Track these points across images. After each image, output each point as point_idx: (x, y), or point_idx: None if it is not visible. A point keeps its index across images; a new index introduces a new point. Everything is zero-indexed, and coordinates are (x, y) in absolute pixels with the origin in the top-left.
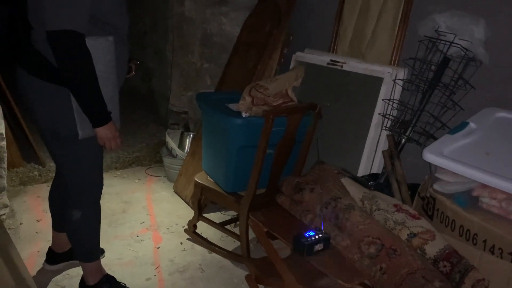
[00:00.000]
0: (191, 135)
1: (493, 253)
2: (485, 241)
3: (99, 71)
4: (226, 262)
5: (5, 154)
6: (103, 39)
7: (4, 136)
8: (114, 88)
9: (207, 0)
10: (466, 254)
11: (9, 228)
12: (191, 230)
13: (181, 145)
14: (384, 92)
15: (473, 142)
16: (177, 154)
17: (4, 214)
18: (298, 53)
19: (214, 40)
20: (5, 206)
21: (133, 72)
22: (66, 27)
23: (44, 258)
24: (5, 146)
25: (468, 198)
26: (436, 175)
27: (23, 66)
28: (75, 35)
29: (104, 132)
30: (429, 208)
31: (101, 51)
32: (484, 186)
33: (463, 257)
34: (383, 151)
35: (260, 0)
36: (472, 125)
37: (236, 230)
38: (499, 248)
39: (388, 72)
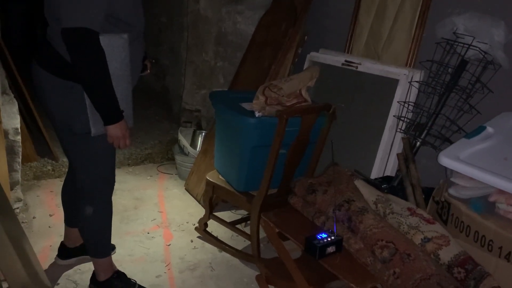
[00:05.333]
0: (203, 133)
1: (508, 260)
2: (500, 247)
3: (113, 69)
4: (236, 261)
5: (20, 149)
6: (117, 37)
7: (19, 131)
8: (127, 86)
9: None
10: (481, 261)
11: (23, 222)
12: (202, 229)
13: (193, 143)
14: (399, 94)
15: (490, 147)
16: (189, 152)
17: (17, 208)
18: (313, 53)
19: (229, 39)
20: (19, 200)
21: (149, 71)
22: (80, 25)
23: (56, 253)
24: (20, 140)
25: (484, 204)
26: (452, 179)
27: (39, 62)
28: (89, 33)
29: (114, 131)
30: (443, 212)
31: (116, 49)
32: (501, 191)
33: (478, 264)
34: (398, 154)
35: None
36: (489, 129)
37: (247, 230)
38: None
39: (404, 74)
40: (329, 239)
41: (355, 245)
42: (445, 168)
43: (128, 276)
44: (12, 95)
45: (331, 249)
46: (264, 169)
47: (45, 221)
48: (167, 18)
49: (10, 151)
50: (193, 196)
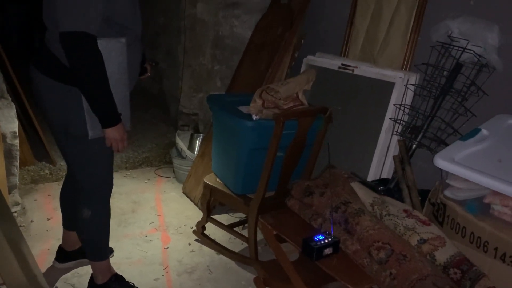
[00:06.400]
0: (201, 137)
1: (504, 261)
2: (496, 248)
3: (110, 73)
4: (234, 264)
5: (18, 153)
6: (115, 40)
7: (17, 134)
8: (125, 89)
9: (219, 2)
10: (476, 262)
11: (20, 226)
12: (200, 231)
13: (190, 147)
14: (395, 97)
15: (485, 149)
16: (186, 155)
17: (15, 212)
18: (309, 57)
19: (226, 42)
20: (17, 203)
21: (148, 73)
22: (78, 29)
23: (54, 256)
24: (17, 144)
25: (479, 205)
26: (447, 181)
27: (37, 65)
28: (87, 37)
29: (112, 134)
30: (439, 214)
31: (113, 53)
32: (496, 193)
33: (474, 265)
34: (394, 156)
35: (273, 2)
36: (484, 131)
37: (244, 232)
38: (510, 256)
39: (400, 77)
40: (326, 240)
41: (352, 247)
42: (441, 170)
43: (126, 279)
44: (10, 99)
45: (328, 251)
46: (261, 172)
47: (43, 224)
48: (164, 21)
49: (8, 155)
50: (190, 199)
